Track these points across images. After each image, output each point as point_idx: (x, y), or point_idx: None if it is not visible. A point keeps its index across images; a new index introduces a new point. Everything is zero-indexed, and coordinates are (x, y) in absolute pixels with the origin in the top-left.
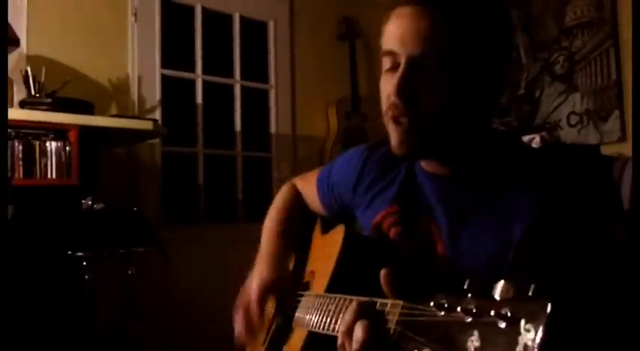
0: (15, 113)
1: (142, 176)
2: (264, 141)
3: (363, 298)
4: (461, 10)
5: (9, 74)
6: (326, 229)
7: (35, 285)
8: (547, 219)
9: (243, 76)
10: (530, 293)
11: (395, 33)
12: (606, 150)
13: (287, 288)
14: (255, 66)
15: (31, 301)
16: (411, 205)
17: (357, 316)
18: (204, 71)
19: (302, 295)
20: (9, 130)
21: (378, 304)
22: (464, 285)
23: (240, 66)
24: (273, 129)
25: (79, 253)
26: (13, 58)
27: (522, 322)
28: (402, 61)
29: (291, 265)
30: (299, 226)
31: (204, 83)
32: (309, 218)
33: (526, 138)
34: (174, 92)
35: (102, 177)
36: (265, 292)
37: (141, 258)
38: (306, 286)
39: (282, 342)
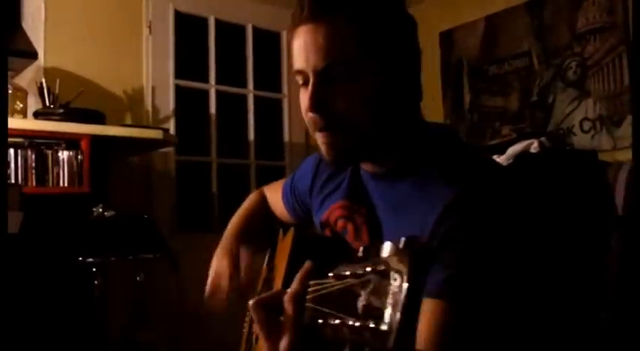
0: (28, 123)
1: (156, 185)
2: (278, 150)
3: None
4: (355, 17)
5: (25, 86)
6: (285, 233)
7: (46, 290)
8: (456, 205)
9: (256, 86)
10: (400, 246)
11: (299, 52)
12: (621, 155)
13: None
14: (268, 76)
15: (42, 306)
16: (354, 201)
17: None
18: (218, 81)
19: None
20: (22, 140)
21: None
22: (358, 252)
23: (253, 76)
24: (286, 138)
25: (89, 259)
26: (30, 70)
27: (391, 273)
28: (310, 76)
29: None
30: (261, 230)
31: (218, 93)
32: (274, 225)
33: (524, 143)
34: (188, 102)
35: (116, 185)
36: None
37: (152, 265)
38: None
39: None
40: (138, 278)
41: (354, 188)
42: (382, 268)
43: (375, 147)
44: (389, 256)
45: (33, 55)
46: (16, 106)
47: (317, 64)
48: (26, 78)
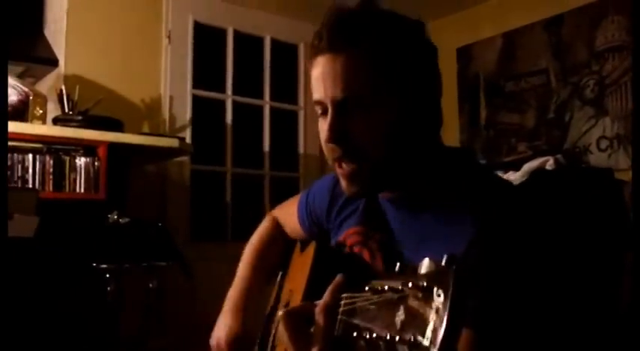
0: (47, 129)
1: (171, 193)
2: (293, 161)
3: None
4: (374, 48)
5: (45, 92)
6: (303, 248)
7: (60, 295)
8: (472, 249)
9: (272, 97)
10: (442, 263)
11: (317, 82)
12: None
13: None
14: (285, 87)
15: (55, 310)
16: (371, 226)
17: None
18: (235, 92)
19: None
20: (41, 146)
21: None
22: (395, 268)
23: (270, 87)
24: (301, 150)
25: (103, 265)
26: (50, 77)
27: (435, 289)
28: (329, 107)
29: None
30: (275, 259)
31: (234, 103)
32: (289, 246)
33: (539, 160)
34: (205, 112)
35: (131, 193)
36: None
37: (165, 273)
38: (287, 305)
39: None
40: (151, 285)
41: (370, 213)
42: (424, 283)
43: (393, 177)
44: (429, 272)
45: (54, 63)
46: (35, 112)
47: (335, 95)
48: (46, 85)
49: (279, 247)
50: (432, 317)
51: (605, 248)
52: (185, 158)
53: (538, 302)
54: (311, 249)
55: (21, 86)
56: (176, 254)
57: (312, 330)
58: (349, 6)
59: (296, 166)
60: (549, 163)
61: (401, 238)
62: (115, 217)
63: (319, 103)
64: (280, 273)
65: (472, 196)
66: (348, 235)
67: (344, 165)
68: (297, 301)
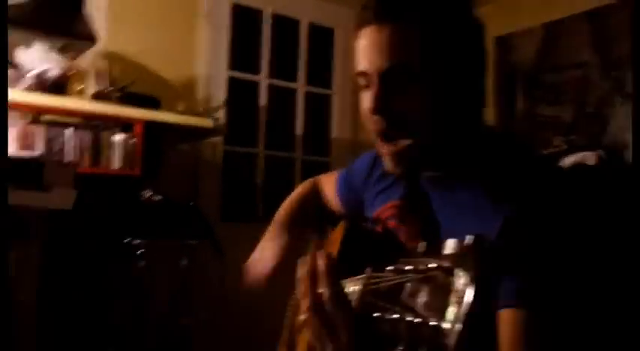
0: (86, 105)
1: (204, 173)
2: (324, 145)
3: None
4: (421, 20)
5: (85, 68)
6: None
7: (93, 268)
8: (509, 231)
9: (307, 81)
10: (465, 243)
11: (362, 53)
12: None
13: None
14: (320, 71)
15: (89, 283)
16: (410, 202)
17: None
18: (269, 74)
19: None
20: (79, 121)
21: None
22: (417, 248)
23: (305, 70)
24: (333, 134)
25: (136, 241)
26: (90, 53)
27: (456, 270)
28: (374, 78)
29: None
30: (310, 219)
31: (269, 86)
32: (325, 214)
33: (579, 154)
34: (239, 93)
35: (164, 171)
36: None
37: (196, 251)
38: None
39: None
40: (182, 263)
41: (411, 190)
42: (447, 265)
43: (436, 153)
44: (453, 253)
45: (94, 39)
46: (75, 87)
47: (380, 65)
48: (86, 60)
49: (315, 209)
50: (454, 300)
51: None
52: (218, 139)
53: (580, 280)
54: (341, 227)
55: (62, 61)
56: (208, 231)
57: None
58: None
59: (327, 151)
60: (591, 159)
61: (439, 215)
62: (149, 194)
63: (363, 74)
64: (313, 242)
65: (513, 175)
66: (386, 209)
67: (389, 142)
68: None
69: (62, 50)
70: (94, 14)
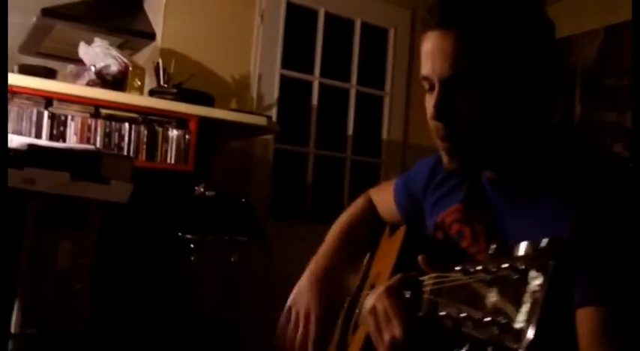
0: (144, 100)
1: (255, 170)
2: (375, 147)
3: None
4: (485, 24)
5: (143, 64)
6: (393, 231)
7: (146, 260)
8: (581, 230)
9: (359, 81)
10: (540, 245)
11: (426, 58)
12: None
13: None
14: (373, 72)
15: (141, 275)
16: (472, 205)
17: (398, 286)
18: (322, 74)
19: (367, 295)
20: (137, 116)
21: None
22: (489, 250)
23: (358, 71)
24: (384, 135)
25: (188, 236)
26: (148, 50)
27: (531, 271)
28: (436, 84)
29: (351, 279)
30: (364, 238)
31: (321, 85)
32: (379, 228)
33: None
34: (292, 92)
35: (217, 167)
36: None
37: (246, 248)
38: (372, 287)
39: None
40: (232, 259)
41: (474, 193)
42: (521, 266)
43: (497, 156)
44: (527, 254)
45: (152, 36)
46: (134, 83)
47: (443, 72)
48: (143, 57)
49: (370, 227)
50: (527, 299)
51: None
52: (270, 137)
53: None
54: (401, 232)
55: (122, 57)
56: (257, 228)
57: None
58: None
59: (378, 152)
60: None
61: (503, 219)
62: (202, 189)
63: (426, 78)
64: (368, 254)
65: (579, 175)
66: (449, 213)
67: (447, 142)
68: (383, 283)
69: (122, 47)
70: (152, 12)
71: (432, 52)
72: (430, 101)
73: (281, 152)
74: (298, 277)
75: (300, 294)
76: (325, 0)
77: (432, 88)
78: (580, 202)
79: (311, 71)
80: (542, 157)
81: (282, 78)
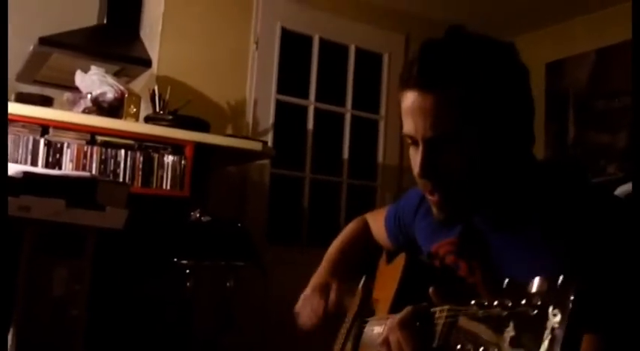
0: (139, 127)
1: (251, 195)
2: (371, 170)
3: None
4: (464, 85)
5: (138, 92)
6: (390, 259)
7: (141, 287)
8: (579, 254)
9: (354, 106)
10: (559, 282)
11: (407, 117)
12: None
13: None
14: (367, 96)
15: (136, 300)
16: (467, 240)
17: (411, 318)
18: (317, 99)
19: (367, 322)
20: (133, 142)
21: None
22: (503, 284)
23: (353, 95)
24: (380, 159)
25: (184, 261)
26: (144, 77)
27: (550, 308)
28: (420, 144)
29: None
30: (360, 258)
31: (316, 110)
32: (375, 251)
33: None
34: (287, 117)
35: (213, 192)
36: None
37: (242, 272)
38: (372, 314)
39: None
40: (228, 284)
41: (468, 229)
42: (538, 302)
43: (481, 201)
44: (543, 290)
45: (148, 63)
46: (130, 110)
47: (425, 133)
48: (139, 84)
49: (366, 248)
50: (547, 336)
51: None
52: (266, 161)
53: None
54: (401, 260)
55: (117, 85)
56: (253, 253)
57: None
58: (438, 40)
59: (374, 176)
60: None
61: (499, 253)
62: (197, 215)
63: (409, 136)
64: (364, 278)
65: (570, 211)
66: (443, 245)
67: (435, 195)
68: (383, 311)
69: (118, 74)
70: (148, 39)
71: (412, 111)
72: (415, 156)
73: (277, 177)
74: (295, 301)
75: (306, 298)
76: (320, 26)
77: (415, 143)
78: (575, 238)
79: (306, 96)
80: (531, 192)
81: (278, 103)
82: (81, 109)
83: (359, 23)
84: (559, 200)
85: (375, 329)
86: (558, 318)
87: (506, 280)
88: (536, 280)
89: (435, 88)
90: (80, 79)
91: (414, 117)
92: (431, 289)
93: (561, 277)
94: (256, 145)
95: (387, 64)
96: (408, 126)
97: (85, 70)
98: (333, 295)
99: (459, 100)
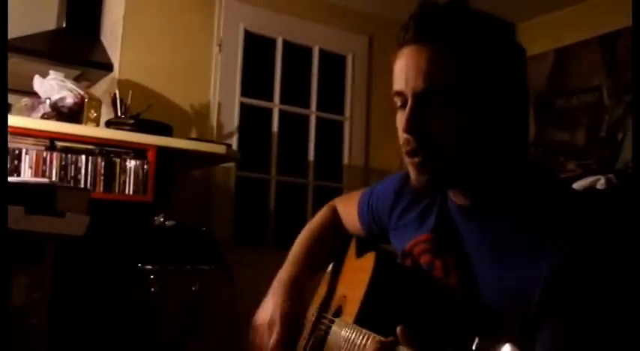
0: (100, 132)
1: (216, 199)
2: (336, 172)
3: (385, 339)
4: (460, 43)
5: (99, 96)
6: (360, 252)
7: (105, 293)
8: (571, 264)
9: (319, 107)
10: None
11: (399, 73)
12: None
13: (301, 318)
14: (332, 98)
15: (100, 308)
16: (442, 235)
17: None
18: (282, 101)
19: (333, 321)
20: (94, 147)
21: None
22: (472, 345)
23: (317, 97)
24: (345, 160)
25: (148, 266)
26: (105, 82)
27: None
28: (409, 98)
29: (318, 290)
30: (329, 249)
31: (281, 112)
32: (344, 240)
33: (589, 179)
34: (252, 120)
35: (177, 196)
36: (288, 327)
37: (208, 276)
38: (338, 311)
39: None
40: (193, 288)
41: (443, 222)
42: None
43: (466, 176)
44: None
45: (109, 67)
46: (90, 115)
47: (416, 86)
48: (101, 88)
49: (334, 238)
50: None
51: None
52: (231, 164)
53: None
54: (370, 259)
55: (77, 89)
56: (218, 257)
57: None
58: (438, 2)
59: (340, 177)
60: (600, 183)
61: (473, 249)
62: (161, 219)
63: (399, 94)
64: (332, 265)
65: (552, 213)
66: (417, 243)
67: (416, 155)
68: (351, 312)
69: (78, 79)
70: (109, 43)
71: (405, 67)
72: (401, 117)
73: (243, 179)
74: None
75: (264, 305)
76: (283, 28)
77: (403, 105)
78: (554, 252)
79: (271, 98)
80: (514, 188)
81: (242, 106)
82: (40, 114)
83: (322, 25)
84: (535, 198)
85: (342, 334)
86: None
87: (476, 340)
88: (506, 348)
89: (431, 41)
90: (39, 84)
91: (407, 72)
92: (398, 330)
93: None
94: (220, 148)
95: (350, 66)
96: (399, 83)
97: (44, 75)
98: (275, 336)
99: (454, 57)
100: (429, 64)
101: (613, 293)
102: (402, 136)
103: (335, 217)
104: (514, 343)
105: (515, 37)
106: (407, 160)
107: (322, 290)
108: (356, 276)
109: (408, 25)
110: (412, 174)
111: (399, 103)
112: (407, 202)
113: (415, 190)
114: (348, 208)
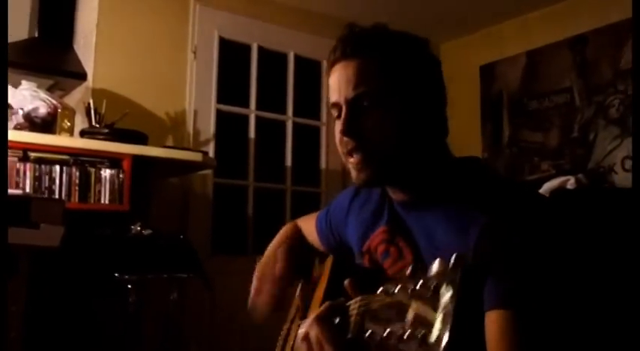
0: (74, 141)
1: (194, 206)
2: (314, 176)
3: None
4: (381, 55)
5: (73, 105)
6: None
7: (82, 304)
8: (490, 229)
9: (295, 113)
10: (450, 263)
11: (333, 86)
12: None
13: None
14: (308, 103)
15: (78, 319)
16: (394, 225)
17: (327, 312)
18: (258, 107)
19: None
20: (68, 157)
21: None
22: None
23: (293, 103)
24: (323, 165)
25: (125, 276)
26: (79, 91)
27: (443, 286)
28: (343, 106)
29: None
30: (299, 256)
31: (257, 118)
32: (310, 254)
33: (560, 179)
34: (229, 126)
35: (154, 205)
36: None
37: (186, 284)
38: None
39: None
40: (172, 297)
41: (393, 215)
42: (434, 283)
43: (400, 171)
44: (439, 272)
45: (82, 76)
46: (63, 125)
47: (348, 94)
48: (75, 98)
49: (301, 251)
50: (441, 312)
51: (627, 266)
52: (208, 172)
53: (561, 279)
54: (328, 262)
55: (50, 99)
56: (196, 266)
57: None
58: (361, 25)
59: (317, 181)
60: (570, 183)
61: (417, 236)
62: (138, 228)
63: (335, 105)
64: (301, 283)
65: (481, 193)
66: (375, 236)
67: (354, 157)
68: (315, 311)
69: (51, 88)
70: (82, 52)
71: (338, 81)
72: (339, 125)
73: (220, 186)
74: (243, 309)
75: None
76: (258, 34)
77: (339, 115)
78: (484, 214)
79: (247, 105)
80: (445, 180)
81: (218, 113)
82: (12, 125)
83: (296, 31)
84: (474, 188)
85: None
86: (449, 294)
87: (410, 267)
88: (436, 263)
89: (356, 55)
90: (11, 95)
91: (339, 85)
92: (346, 282)
93: (453, 256)
94: (196, 156)
95: (325, 71)
96: (334, 94)
97: (16, 85)
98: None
99: (377, 67)
100: (357, 74)
101: (528, 244)
102: (340, 140)
103: (297, 231)
104: (441, 259)
105: (429, 50)
106: (347, 161)
107: (292, 310)
108: (319, 282)
109: (337, 46)
110: (353, 173)
111: (335, 114)
112: (360, 205)
113: (358, 187)
114: (309, 225)
